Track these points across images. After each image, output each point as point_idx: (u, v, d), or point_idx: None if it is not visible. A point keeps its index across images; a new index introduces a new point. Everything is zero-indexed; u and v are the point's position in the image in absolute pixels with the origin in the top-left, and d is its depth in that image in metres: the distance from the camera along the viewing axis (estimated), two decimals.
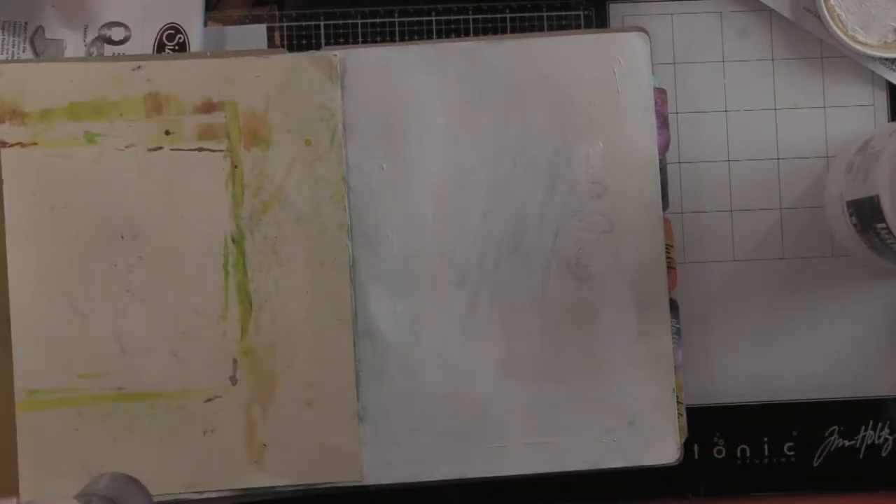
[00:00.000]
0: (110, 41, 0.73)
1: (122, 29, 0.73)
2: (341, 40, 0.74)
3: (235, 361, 0.70)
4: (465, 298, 0.71)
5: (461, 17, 0.74)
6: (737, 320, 0.74)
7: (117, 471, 0.57)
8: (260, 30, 0.74)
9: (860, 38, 0.73)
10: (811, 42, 0.75)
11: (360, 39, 0.74)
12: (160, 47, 0.73)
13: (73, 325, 0.69)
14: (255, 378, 0.70)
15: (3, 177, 0.69)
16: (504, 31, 0.74)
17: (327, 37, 0.74)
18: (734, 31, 0.75)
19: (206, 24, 0.74)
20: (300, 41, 0.74)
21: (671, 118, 0.73)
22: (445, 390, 0.71)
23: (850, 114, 0.75)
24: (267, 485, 0.70)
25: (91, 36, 0.73)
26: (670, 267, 0.71)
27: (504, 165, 0.71)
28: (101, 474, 0.56)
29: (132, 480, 0.56)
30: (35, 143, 0.70)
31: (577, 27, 0.74)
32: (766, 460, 0.74)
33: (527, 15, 0.75)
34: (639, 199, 0.71)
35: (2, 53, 0.73)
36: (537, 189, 0.71)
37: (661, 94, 0.72)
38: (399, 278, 0.71)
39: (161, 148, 0.70)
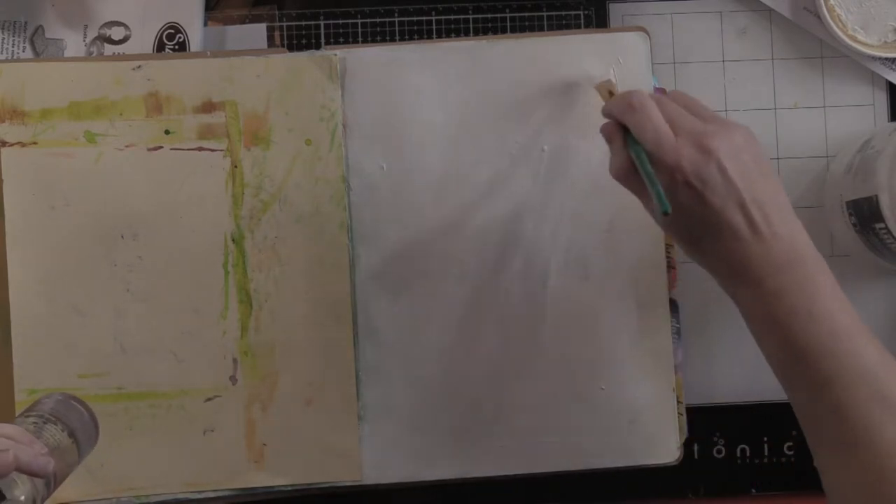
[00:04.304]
0: (110, 41, 0.73)
1: (122, 28, 0.73)
2: (341, 40, 0.74)
3: (235, 361, 0.70)
4: (464, 298, 0.71)
5: (461, 17, 0.74)
6: (737, 320, 0.74)
7: (62, 393, 0.60)
8: (260, 30, 0.74)
9: (860, 38, 0.73)
10: (811, 42, 0.75)
11: (360, 39, 0.74)
12: (160, 47, 0.73)
13: (73, 325, 0.69)
14: (255, 378, 0.70)
15: (3, 177, 0.69)
16: (504, 31, 0.74)
17: (327, 37, 0.74)
18: (734, 31, 0.75)
19: (206, 24, 0.74)
20: (300, 41, 0.74)
21: None
22: (445, 390, 0.71)
23: (850, 114, 0.75)
24: (267, 484, 0.70)
25: (91, 36, 0.73)
26: (670, 267, 0.71)
27: (504, 165, 0.71)
28: (48, 396, 0.59)
29: (75, 400, 0.59)
30: (35, 143, 0.70)
31: (577, 27, 0.74)
32: (765, 460, 0.74)
33: (527, 15, 0.75)
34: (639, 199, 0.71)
35: (2, 53, 0.73)
36: (537, 188, 0.71)
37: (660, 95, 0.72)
38: (399, 278, 0.71)
39: (161, 148, 0.70)
